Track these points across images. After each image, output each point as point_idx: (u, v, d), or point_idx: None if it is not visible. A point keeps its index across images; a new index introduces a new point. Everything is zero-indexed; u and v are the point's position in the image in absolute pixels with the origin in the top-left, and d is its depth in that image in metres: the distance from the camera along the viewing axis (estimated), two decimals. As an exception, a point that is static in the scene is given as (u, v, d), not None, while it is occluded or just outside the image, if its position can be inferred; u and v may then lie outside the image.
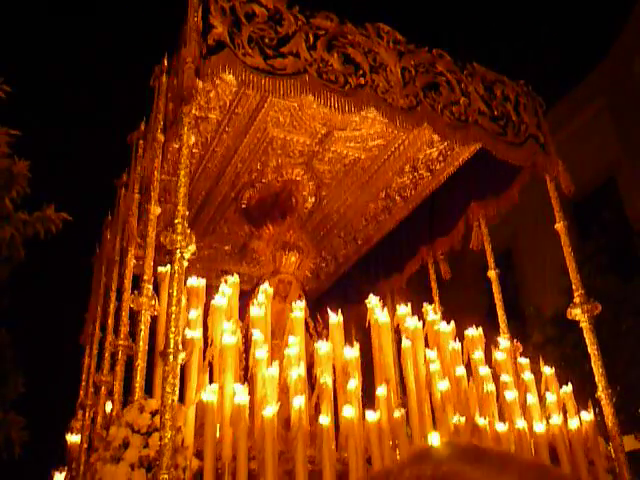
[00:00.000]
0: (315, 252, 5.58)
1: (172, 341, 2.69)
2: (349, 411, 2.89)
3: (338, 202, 5.73)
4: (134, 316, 4.16)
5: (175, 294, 2.82)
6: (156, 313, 3.57)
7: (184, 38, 3.67)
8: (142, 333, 3.41)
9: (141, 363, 3.33)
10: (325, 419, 2.83)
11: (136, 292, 3.54)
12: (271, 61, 3.64)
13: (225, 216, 5.76)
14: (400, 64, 4.10)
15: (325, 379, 3.05)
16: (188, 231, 2.98)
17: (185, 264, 2.94)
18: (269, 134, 4.82)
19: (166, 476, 2.42)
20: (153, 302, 3.53)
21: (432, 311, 4.19)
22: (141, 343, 3.38)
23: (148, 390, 3.41)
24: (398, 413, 3.01)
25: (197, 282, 3.60)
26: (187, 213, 3.08)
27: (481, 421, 3.18)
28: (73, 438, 4.84)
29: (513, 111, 4.45)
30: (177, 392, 2.62)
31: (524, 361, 3.98)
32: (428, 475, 0.70)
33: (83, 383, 5.31)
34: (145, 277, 3.60)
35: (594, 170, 10.31)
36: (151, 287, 3.58)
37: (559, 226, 4.21)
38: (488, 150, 4.83)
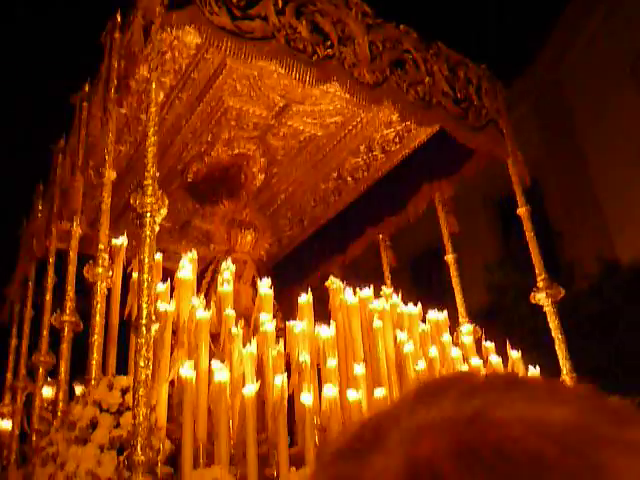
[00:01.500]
0: (270, 231, 5.38)
1: (145, 311, 2.45)
2: (331, 390, 2.75)
3: (288, 181, 5.56)
4: (80, 290, 3.87)
5: (147, 260, 2.58)
6: (111, 286, 3.29)
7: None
8: (99, 306, 3.14)
9: (98, 339, 3.06)
10: (308, 398, 2.68)
11: (91, 262, 3.24)
12: (238, 22, 3.44)
13: (168, 191, 5.43)
14: (368, 37, 3.98)
15: (304, 357, 2.89)
16: (159, 193, 2.74)
17: (157, 228, 2.70)
18: (224, 103, 4.58)
19: (142, 458, 2.20)
20: (110, 273, 3.25)
21: (389, 294, 4.11)
22: (97, 317, 3.11)
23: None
24: (380, 392, 2.89)
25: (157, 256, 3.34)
26: (157, 174, 2.84)
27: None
28: (3, 424, 4.43)
29: (475, 94, 4.44)
30: (151, 367, 2.39)
31: (489, 345, 3.97)
32: (449, 416, 0.41)
33: (11, 365, 4.90)
34: (101, 246, 3.32)
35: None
36: (107, 257, 3.29)
37: (521, 210, 4.23)
38: (445, 132, 4.84)
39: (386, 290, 4.13)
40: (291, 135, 5.00)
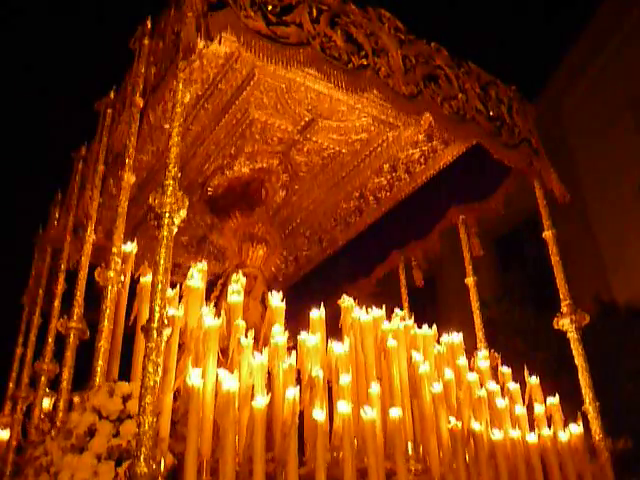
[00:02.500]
0: (282, 248, 5.29)
1: (157, 314, 2.33)
2: (344, 407, 2.60)
3: (309, 198, 5.46)
4: (90, 297, 3.78)
5: (162, 262, 2.47)
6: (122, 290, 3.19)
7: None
8: (108, 311, 3.02)
9: (105, 344, 2.95)
10: (320, 414, 2.53)
11: (103, 265, 3.15)
12: (274, 28, 3.40)
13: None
14: (401, 51, 3.94)
15: (317, 372, 2.75)
16: (179, 194, 2.65)
17: (174, 230, 2.61)
18: (250, 115, 4.51)
19: (145, 470, 2.06)
20: (122, 278, 3.15)
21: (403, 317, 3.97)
22: (106, 322, 3.00)
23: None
24: (396, 412, 2.73)
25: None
26: (179, 175, 2.75)
27: (477, 426, 2.95)
28: (1, 434, 4.31)
29: (507, 113, 4.36)
30: (160, 373, 2.26)
31: (506, 370, 3.80)
32: None
33: (14, 374, 4.80)
34: (114, 249, 3.22)
35: (518, 207, 10.24)
36: (120, 261, 3.20)
37: (548, 234, 4.09)
38: (471, 154, 4.75)
39: (399, 312, 4.00)
40: (315, 151, 4.92)
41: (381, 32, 3.89)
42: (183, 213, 2.65)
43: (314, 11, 3.62)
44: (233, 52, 3.97)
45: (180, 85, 2.98)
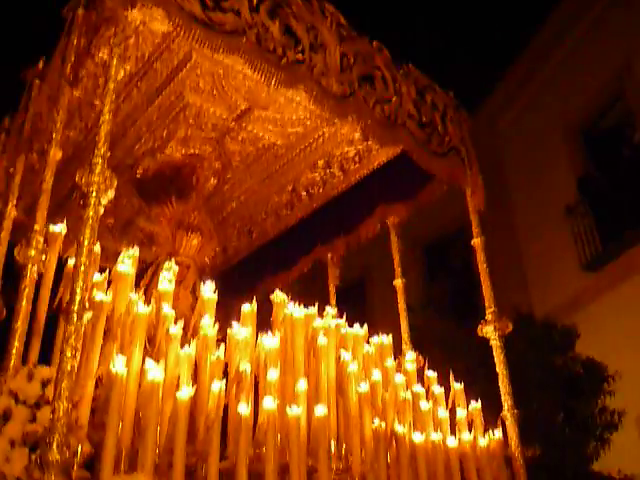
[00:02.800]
0: (217, 238, 5.19)
1: (78, 297, 2.24)
2: (270, 403, 2.57)
3: (241, 188, 5.39)
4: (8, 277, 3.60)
5: (86, 243, 2.37)
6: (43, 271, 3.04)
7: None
8: (27, 290, 2.88)
9: (22, 326, 2.80)
10: (244, 408, 2.49)
11: (23, 242, 2.99)
12: (210, 13, 3.32)
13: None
14: (340, 48, 3.91)
15: (244, 366, 2.71)
16: (108, 173, 2.54)
17: (101, 210, 2.51)
18: (184, 99, 4.40)
19: (58, 457, 1.98)
20: (43, 257, 3.00)
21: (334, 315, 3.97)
22: (24, 302, 2.85)
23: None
24: (321, 410, 2.72)
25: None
26: (108, 153, 2.64)
27: (399, 429, 2.98)
28: None
29: (440, 120, 4.42)
30: (78, 358, 2.17)
31: (432, 374, 3.86)
32: None
33: None
34: (36, 227, 3.07)
35: (447, 218, 10.29)
36: (42, 239, 3.05)
37: (476, 241, 4.19)
38: (406, 156, 4.80)
39: (330, 310, 3.99)
40: (250, 141, 4.85)
41: (322, 26, 3.84)
42: (111, 194, 2.56)
43: (254, -1, 3.54)
44: (170, 32, 3.83)
45: (114, 60, 2.87)
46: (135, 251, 3.42)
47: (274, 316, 3.53)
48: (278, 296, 3.66)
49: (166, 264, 3.69)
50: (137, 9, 3.21)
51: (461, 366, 6.98)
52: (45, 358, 2.84)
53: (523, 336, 6.89)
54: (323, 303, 4.92)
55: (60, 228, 3.31)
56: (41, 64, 4.23)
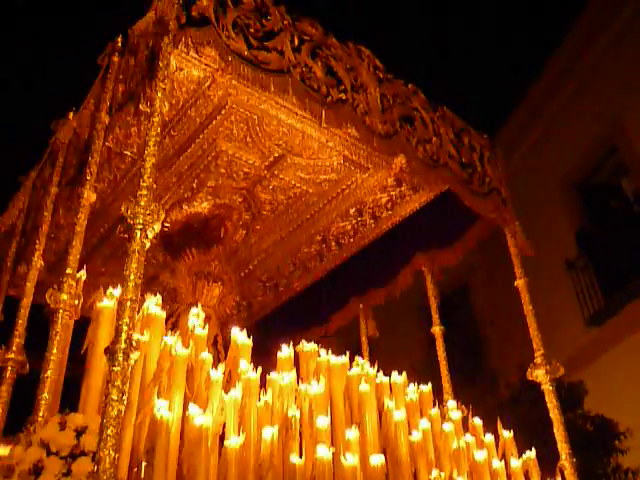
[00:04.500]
0: (238, 290, 5.02)
1: (124, 335, 2.05)
2: (325, 451, 2.34)
3: (269, 240, 5.24)
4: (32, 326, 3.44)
5: (132, 277, 2.21)
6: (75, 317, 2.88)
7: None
8: (58, 337, 2.69)
9: (51, 375, 2.61)
10: (297, 458, 2.26)
11: (55, 286, 2.84)
12: (255, 52, 3.31)
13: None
14: (379, 89, 3.88)
15: (293, 412, 2.49)
16: (155, 205, 2.41)
17: (147, 244, 2.36)
18: (217, 147, 4.32)
19: (104, 517, 1.75)
20: (76, 302, 2.83)
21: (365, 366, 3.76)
22: (54, 350, 2.67)
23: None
24: (377, 460, 2.48)
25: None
26: (155, 186, 2.52)
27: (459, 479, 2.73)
28: None
29: (478, 161, 4.34)
30: (125, 402, 1.97)
31: (478, 422, 3.61)
32: None
33: None
34: (69, 270, 2.91)
35: (452, 274, 10.34)
36: (74, 284, 2.89)
37: (520, 282, 4.01)
38: (439, 201, 4.70)
39: (360, 360, 3.78)
40: (281, 189, 4.74)
41: (361, 68, 3.85)
42: (157, 227, 2.41)
43: (296, 40, 3.55)
44: (207, 77, 3.82)
45: (159, 94, 2.77)
46: (158, 298, 3.26)
47: (302, 367, 3.34)
48: (306, 346, 3.48)
49: (192, 310, 3.53)
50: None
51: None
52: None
53: (529, 395, 6.65)
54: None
55: (80, 274, 3.12)
56: (70, 115, 4.20)
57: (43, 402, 2.53)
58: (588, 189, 10.76)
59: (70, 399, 2.69)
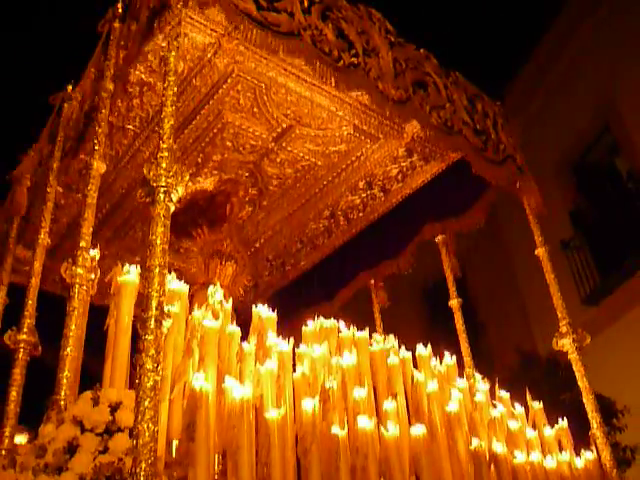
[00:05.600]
0: (250, 269, 4.88)
1: (155, 301, 1.92)
2: (365, 422, 2.23)
3: (276, 217, 5.10)
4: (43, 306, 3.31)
5: (159, 242, 2.08)
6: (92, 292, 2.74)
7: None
8: (75, 312, 2.55)
9: (71, 352, 2.47)
10: (338, 430, 2.15)
11: (70, 260, 2.69)
12: (264, 13, 3.14)
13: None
14: (392, 54, 3.74)
15: (331, 383, 2.37)
16: (177, 167, 2.27)
17: (172, 208, 2.22)
18: (223, 118, 4.16)
19: (146, 492, 1.63)
20: (93, 276, 2.69)
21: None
22: (73, 326, 2.53)
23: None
24: (419, 430, 2.38)
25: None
26: (175, 147, 2.37)
27: (499, 449, 2.63)
28: None
29: (492, 128, 4.21)
30: (161, 372, 1.84)
31: (505, 394, 3.52)
32: None
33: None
34: (82, 243, 2.77)
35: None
36: (89, 257, 2.75)
37: (541, 251, 3.91)
38: (449, 171, 4.60)
39: (377, 336, 3.67)
40: (289, 163, 4.60)
41: (372, 31, 3.70)
42: (181, 190, 2.27)
43: (305, 1, 3.39)
44: (212, 43, 3.65)
45: (173, 52, 2.62)
46: (172, 275, 3.13)
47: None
48: (326, 323, 3.36)
49: (210, 288, 3.40)
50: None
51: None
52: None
53: (528, 374, 6.64)
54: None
55: (94, 252, 2.98)
56: (69, 87, 4.03)
57: (65, 380, 2.41)
58: (582, 169, 10.72)
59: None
